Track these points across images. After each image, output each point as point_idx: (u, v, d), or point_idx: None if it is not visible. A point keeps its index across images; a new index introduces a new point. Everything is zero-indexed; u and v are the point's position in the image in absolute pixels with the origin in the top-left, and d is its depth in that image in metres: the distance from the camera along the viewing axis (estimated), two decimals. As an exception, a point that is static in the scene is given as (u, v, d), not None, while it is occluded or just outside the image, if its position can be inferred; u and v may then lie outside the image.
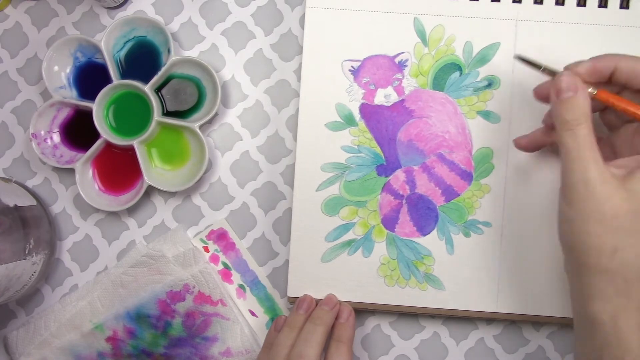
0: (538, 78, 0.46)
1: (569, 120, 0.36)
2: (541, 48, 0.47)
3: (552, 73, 0.40)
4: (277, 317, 0.47)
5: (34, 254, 0.47)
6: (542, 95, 0.42)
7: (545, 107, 0.44)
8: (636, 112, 0.38)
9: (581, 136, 0.36)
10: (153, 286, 0.48)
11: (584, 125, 0.36)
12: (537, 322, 0.47)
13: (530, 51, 0.46)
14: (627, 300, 0.34)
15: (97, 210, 0.50)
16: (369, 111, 0.47)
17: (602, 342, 0.35)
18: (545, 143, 0.44)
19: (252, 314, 0.49)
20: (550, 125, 0.43)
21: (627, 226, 0.35)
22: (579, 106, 0.36)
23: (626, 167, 0.37)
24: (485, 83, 0.47)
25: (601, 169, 0.35)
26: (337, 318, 0.46)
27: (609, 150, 0.42)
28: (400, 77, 0.47)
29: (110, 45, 0.49)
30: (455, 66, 0.47)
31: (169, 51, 0.48)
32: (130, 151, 0.48)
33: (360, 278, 0.47)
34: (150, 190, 0.50)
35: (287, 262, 0.49)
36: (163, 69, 0.48)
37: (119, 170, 0.49)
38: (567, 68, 0.39)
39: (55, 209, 0.51)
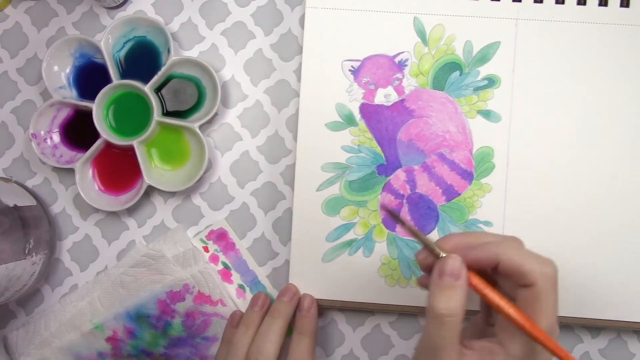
0: (539, 78, 0.47)
1: (441, 310, 0.34)
2: (541, 47, 0.47)
3: (415, 233, 0.37)
4: (232, 313, 0.47)
5: (33, 254, 0.47)
6: (426, 266, 0.37)
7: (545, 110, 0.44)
8: (505, 310, 0.34)
9: (447, 330, 0.34)
10: (153, 286, 0.48)
11: (453, 319, 0.34)
12: (537, 322, 0.47)
13: (530, 51, 0.47)
14: None
15: (97, 210, 0.50)
16: (369, 111, 0.47)
17: None
18: None
19: (252, 314, 0.49)
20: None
21: None
22: (455, 299, 0.34)
23: (482, 351, 0.35)
24: (486, 82, 0.47)
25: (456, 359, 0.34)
26: (298, 309, 0.46)
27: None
28: (401, 77, 0.47)
29: (110, 45, 0.49)
30: (456, 65, 0.47)
31: (168, 51, 0.48)
32: (130, 151, 0.48)
33: (361, 278, 0.47)
34: (150, 190, 0.50)
35: (286, 262, 0.49)
36: (163, 69, 0.48)
37: (118, 170, 0.49)
38: (442, 242, 0.36)
39: (55, 209, 0.51)
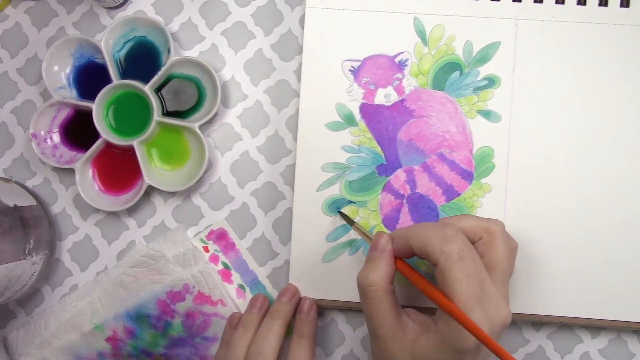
0: (539, 78, 0.47)
1: (360, 281, 0.40)
2: (541, 47, 0.47)
3: (363, 233, 0.44)
4: (231, 314, 0.47)
5: (33, 254, 0.47)
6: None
7: (546, 109, 0.44)
8: (424, 288, 0.38)
9: (377, 297, 0.39)
10: (153, 286, 0.48)
11: (382, 287, 0.39)
12: (537, 322, 0.47)
13: (530, 51, 0.47)
14: None
15: (97, 210, 0.50)
16: (369, 111, 0.47)
17: None
18: None
19: (252, 314, 0.49)
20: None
21: None
22: (375, 271, 0.39)
23: (421, 325, 0.39)
24: (486, 82, 0.47)
25: (392, 328, 0.38)
26: (298, 312, 0.46)
27: None
28: (401, 77, 0.47)
29: (110, 45, 0.49)
30: (456, 65, 0.47)
31: (168, 51, 0.48)
32: (130, 151, 0.48)
33: (360, 278, 0.47)
34: (150, 190, 0.50)
35: (287, 262, 0.49)
36: (163, 69, 0.48)
37: (119, 170, 0.49)
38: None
39: (55, 209, 0.51)
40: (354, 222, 0.45)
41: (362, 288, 0.39)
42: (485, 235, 0.40)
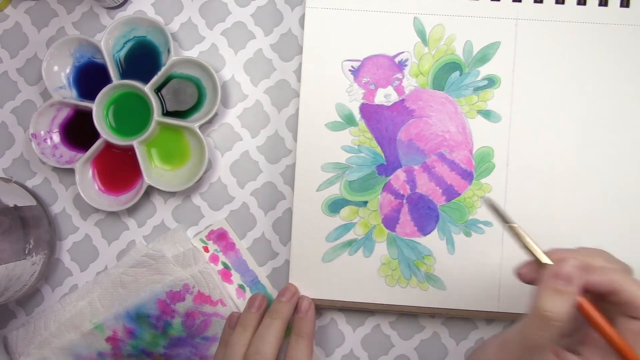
0: (539, 78, 0.47)
1: (547, 313, 0.33)
2: (541, 47, 0.47)
3: (528, 243, 0.36)
4: (230, 314, 0.47)
5: (33, 254, 0.47)
6: (528, 277, 0.37)
7: (547, 108, 0.44)
8: (609, 336, 0.34)
9: (549, 332, 0.33)
10: (153, 286, 0.48)
11: (558, 323, 0.33)
12: (538, 322, 0.47)
13: (530, 51, 0.47)
14: None
15: (97, 210, 0.50)
16: (369, 111, 0.47)
17: None
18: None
19: (252, 314, 0.49)
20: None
21: None
22: (564, 304, 0.33)
23: None
24: (486, 82, 0.47)
25: None
26: (297, 311, 0.46)
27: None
28: (400, 77, 0.47)
29: (110, 45, 0.49)
30: (456, 65, 0.47)
31: (168, 51, 0.48)
32: (130, 151, 0.48)
33: (361, 278, 0.47)
34: (150, 190, 0.50)
35: (286, 262, 0.49)
36: (163, 69, 0.48)
37: (118, 170, 0.49)
38: (553, 255, 0.35)
39: (55, 209, 0.51)
40: (514, 224, 0.37)
41: (548, 320, 0.33)
42: None
